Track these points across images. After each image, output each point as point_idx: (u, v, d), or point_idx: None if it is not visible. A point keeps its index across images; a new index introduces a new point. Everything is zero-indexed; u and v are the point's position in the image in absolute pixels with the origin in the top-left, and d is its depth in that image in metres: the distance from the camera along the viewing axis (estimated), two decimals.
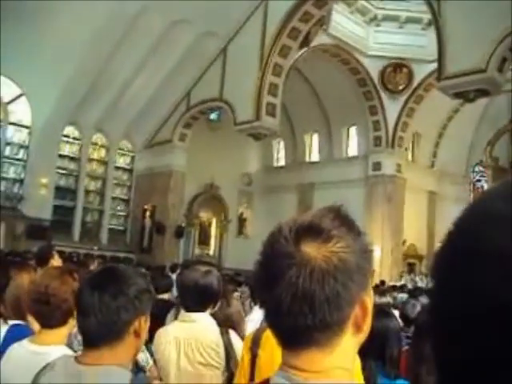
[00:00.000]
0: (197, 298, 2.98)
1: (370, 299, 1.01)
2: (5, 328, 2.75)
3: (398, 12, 22.28)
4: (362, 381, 2.34)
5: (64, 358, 1.79)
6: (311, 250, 0.94)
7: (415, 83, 22.91)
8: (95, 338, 1.68)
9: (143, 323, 1.75)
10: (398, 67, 22.98)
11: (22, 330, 2.70)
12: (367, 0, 22.12)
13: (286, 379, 0.98)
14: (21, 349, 2.34)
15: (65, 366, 1.71)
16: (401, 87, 23.12)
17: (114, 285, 1.71)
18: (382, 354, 2.77)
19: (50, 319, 2.30)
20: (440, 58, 14.03)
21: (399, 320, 6.35)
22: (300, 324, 0.94)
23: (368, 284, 1.02)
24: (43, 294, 2.31)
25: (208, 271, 3.05)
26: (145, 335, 1.79)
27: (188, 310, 3.00)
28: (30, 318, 2.96)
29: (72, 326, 2.39)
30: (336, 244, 0.96)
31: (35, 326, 2.62)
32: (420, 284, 20.21)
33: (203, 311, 3.00)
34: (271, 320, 1.01)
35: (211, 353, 2.87)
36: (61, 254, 6.66)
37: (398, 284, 17.22)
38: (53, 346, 2.26)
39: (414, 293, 10.81)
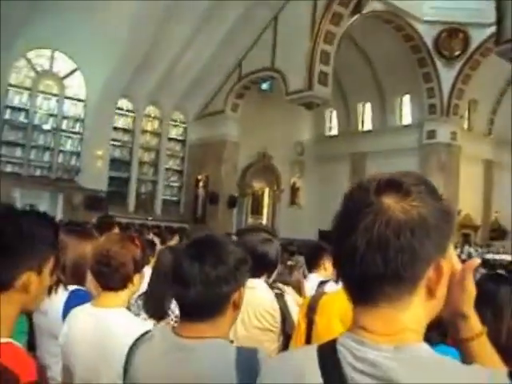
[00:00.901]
0: (252, 265, 2.97)
1: (447, 265, 1.00)
2: (65, 294, 2.85)
3: None
4: None
5: (161, 329, 1.79)
6: (391, 201, 0.95)
7: (472, 48, 22.24)
8: (195, 310, 1.63)
9: (242, 293, 1.71)
10: (453, 32, 22.28)
11: (82, 294, 2.79)
12: None
13: (355, 341, 0.98)
14: (82, 312, 2.42)
15: (163, 338, 1.69)
16: (456, 53, 22.46)
17: (213, 254, 1.65)
18: None
19: (109, 281, 2.37)
20: (499, 21, 13.48)
21: None
22: (372, 273, 0.94)
23: (447, 249, 1.01)
24: (104, 257, 2.37)
25: (268, 239, 3.06)
26: (242, 305, 1.75)
27: None
28: (90, 285, 3.06)
29: (132, 292, 2.46)
30: (415, 200, 0.96)
31: (94, 292, 2.71)
32: (474, 255, 19.87)
33: (261, 278, 3.02)
34: (344, 271, 1.01)
35: (268, 317, 2.91)
36: (118, 224, 6.79)
37: None
38: (112, 309, 2.33)
39: None
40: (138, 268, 2.41)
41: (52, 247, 1.64)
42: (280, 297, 3.06)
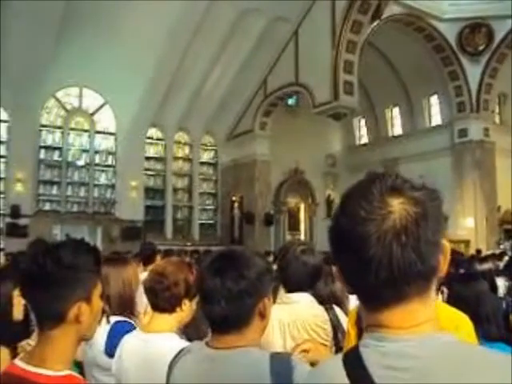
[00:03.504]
0: (306, 278, 2.92)
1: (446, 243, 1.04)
2: (108, 326, 2.88)
3: None
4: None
5: (196, 343, 1.84)
6: (398, 200, 0.99)
7: (496, 42, 21.94)
8: (221, 324, 1.69)
9: (267, 303, 1.75)
10: (476, 27, 22.01)
11: (125, 326, 2.81)
12: None
13: (375, 339, 1.00)
14: (133, 338, 2.47)
15: (198, 351, 1.75)
16: (481, 48, 22.19)
17: (234, 269, 1.69)
18: (477, 316, 2.72)
19: (160, 300, 2.42)
20: None
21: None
22: (410, 271, 0.96)
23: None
24: (159, 275, 2.45)
25: (312, 250, 3.01)
26: (270, 315, 1.80)
27: (291, 291, 2.94)
28: (140, 313, 3.07)
29: (181, 318, 2.48)
30: (416, 194, 1.00)
31: (145, 320, 2.72)
32: None
33: (308, 291, 2.96)
34: (372, 276, 0.99)
35: (319, 331, 2.84)
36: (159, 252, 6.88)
37: (497, 252, 16.61)
38: (161, 333, 2.37)
39: None
40: (190, 293, 2.44)
41: (95, 273, 1.65)
42: (330, 309, 3.01)
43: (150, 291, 2.46)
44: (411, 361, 0.93)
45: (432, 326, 1.00)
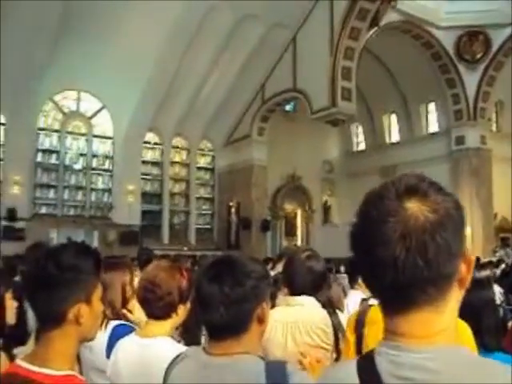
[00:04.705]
0: (311, 284, 2.97)
1: (470, 253, 1.03)
2: (109, 330, 2.87)
3: None
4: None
5: (194, 349, 1.83)
6: (414, 205, 0.97)
7: (493, 50, 22.08)
8: (219, 330, 1.68)
9: (265, 308, 1.74)
10: (473, 35, 22.13)
11: (125, 329, 2.80)
12: None
13: (391, 348, 0.98)
14: (128, 342, 2.46)
15: (195, 357, 1.74)
16: (478, 56, 22.30)
17: (232, 275, 1.68)
18: (479, 326, 2.71)
19: (154, 308, 2.39)
20: None
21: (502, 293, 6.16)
22: (416, 277, 0.95)
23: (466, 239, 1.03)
24: (150, 283, 2.41)
25: (316, 255, 3.06)
26: (268, 320, 1.79)
27: (295, 294, 2.99)
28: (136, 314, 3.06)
29: (176, 322, 2.47)
30: (436, 199, 0.98)
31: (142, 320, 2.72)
32: None
33: (312, 295, 2.99)
34: (381, 281, 0.98)
35: (320, 334, 2.86)
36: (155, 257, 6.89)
37: (495, 259, 16.63)
38: (157, 338, 2.35)
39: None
40: (183, 298, 2.43)
41: (96, 275, 1.66)
42: (332, 313, 3.02)
43: (144, 301, 2.44)
44: (428, 375, 0.92)
45: (446, 336, 0.98)
